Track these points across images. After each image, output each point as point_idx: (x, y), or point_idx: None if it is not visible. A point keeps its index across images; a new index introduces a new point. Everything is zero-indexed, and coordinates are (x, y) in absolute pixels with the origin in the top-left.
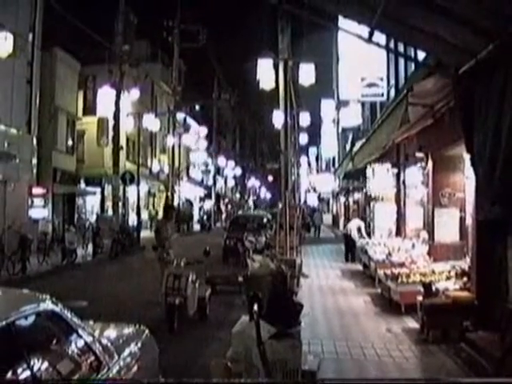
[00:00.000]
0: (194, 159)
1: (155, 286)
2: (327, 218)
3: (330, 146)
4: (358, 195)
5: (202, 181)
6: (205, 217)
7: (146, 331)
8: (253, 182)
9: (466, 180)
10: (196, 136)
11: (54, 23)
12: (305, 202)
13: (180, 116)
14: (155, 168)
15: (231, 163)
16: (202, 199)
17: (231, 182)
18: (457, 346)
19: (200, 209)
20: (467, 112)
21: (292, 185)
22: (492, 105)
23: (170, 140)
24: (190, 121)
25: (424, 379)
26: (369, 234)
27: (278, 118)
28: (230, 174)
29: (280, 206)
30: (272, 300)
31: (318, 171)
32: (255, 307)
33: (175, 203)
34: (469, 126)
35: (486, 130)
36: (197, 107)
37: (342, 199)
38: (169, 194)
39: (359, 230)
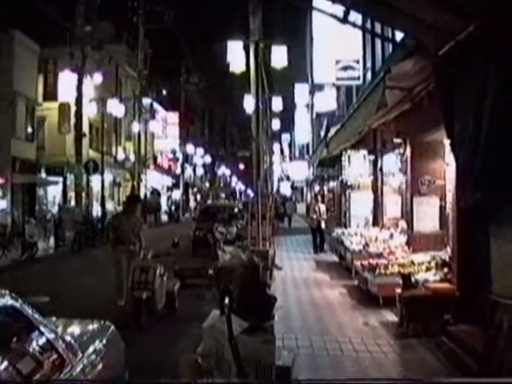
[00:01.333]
0: (161, 147)
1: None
2: (301, 208)
3: (303, 132)
4: (333, 183)
5: (170, 169)
6: (173, 207)
7: (112, 327)
8: (223, 171)
9: (446, 167)
10: (163, 122)
11: (11, 4)
12: (278, 190)
13: (146, 101)
14: (120, 156)
15: (200, 151)
16: (169, 189)
17: (200, 171)
18: (437, 340)
19: (168, 199)
20: (447, 95)
21: (264, 173)
22: (473, 88)
23: (136, 126)
24: (156, 106)
25: (408, 379)
26: (344, 224)
27: (249, 103)
28: (199, 162)
29: (252, 194)
30: (244, 293)
31: (291, 159)
32: (226, 301)
33: (141, 193)
34: (449, 110)
35: (467, 113)
36: (164, 92)
37: (317, 188)
38: (135, 183)
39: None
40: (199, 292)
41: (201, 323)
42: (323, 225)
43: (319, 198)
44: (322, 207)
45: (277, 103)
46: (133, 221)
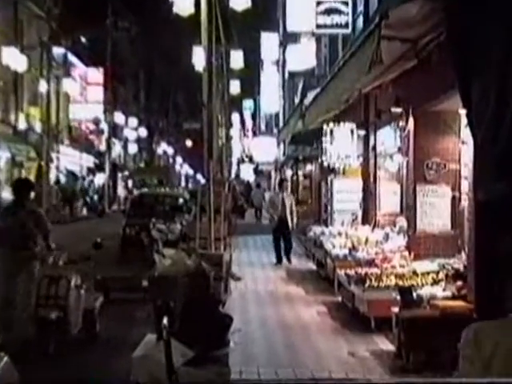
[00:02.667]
0: (79, 114)
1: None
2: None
3: (271, 98)
4: (310, 167)
5: (92, 145)
6: (95, 196)
7: (5, 358)
8: (164, 149)
9: (461, 146)
10: (82, 81)
11: None
12: (237, 176)
13: (58, 52)
14: (22, 126)
15: (133, 121)
16: (91, 171)
17: (133, 148)
18: (448, 377)
19: (89, 185)
20: (463, 49)
21: (219, 152)
22: (498, 40)
23: (44, 86)
24: (73, 59)
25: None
26: (325, 221)
27: (199, 58)
28: (131, 136)
29: (202, 181)
30: (189, 311)
31: (255, 133)
32: (165, 321)
33: (52, 176)
34: (466, 70)
35: (490, 75)
36: (83, 40)
37: (289, 172)
38: (42, 163)
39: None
40: (129, 310)
41: (131, 352)
42: (290, 223)
43: (286, 184)
44: (289, 199)
45: (236, 59)
46: (22, 216)
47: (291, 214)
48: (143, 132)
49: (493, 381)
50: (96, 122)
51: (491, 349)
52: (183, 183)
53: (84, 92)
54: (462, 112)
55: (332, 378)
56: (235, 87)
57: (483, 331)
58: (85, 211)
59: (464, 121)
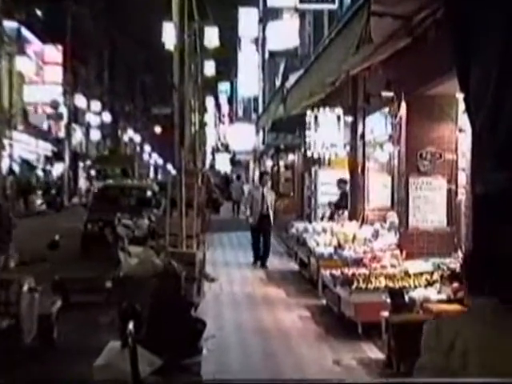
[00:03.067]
0: (35, 97)
1: None
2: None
3: (250, 80)
4: (292, 157)
5: (49, 131)
6: (54, 188)
7: None
8: (131, 135)
9: (458, 134)
10: (38, 60)
11: None
12: (211, 166)
13: (11, 26)
14: None
15: (96, 105)
16: (48, 160)
17: (96, 135)
18: None
19: (46, 176)
20: (463, 28)
21: (192, 140)
22: (501, 17)
23: None
24: (28, 35)
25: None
26: (308, 216)
27: (169, 35)
28: (93, 121)
29: (173, 172)
30: (157, 315)
31: (231, 119)
32: (130, 326)
33: (4, 166)
34: (465, 50)
35: (491, 56)
36: (40, 14)
37: (269, 163)
38: None
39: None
40: (90, 314)
41: (92, 361)
42: (271, 219)
43: (266, 178)
44: (270, 194)
45: (211, 36)
46: None
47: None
48: (107, 117)
49: (490, 381)
50: (54, 105)
51: (451, 339)
52: (152, 174)
53: (40, 72)
54: (460, 96)
55: (317, 379)
56: (210, 68)
57: (444, 323)
58: (42, 205)
59: (462, 106)
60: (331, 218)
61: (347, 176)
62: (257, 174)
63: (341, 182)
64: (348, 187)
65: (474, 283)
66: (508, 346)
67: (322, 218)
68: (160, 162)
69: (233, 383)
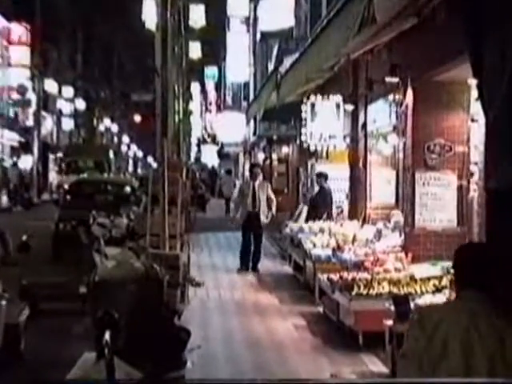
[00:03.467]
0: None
1: None
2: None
3: (239, 64)
4: (286, 149)
5: (16, 120)
6: (21, 183)
7: None
8: (107, 125)
9: (470, 124)
10: (2, 39)
11: None
12: (197, 159)
13: None
14: None
15: (68, 90)
16: (15, 152)
17: (69, 124)
18: None
19: (12, 169)
20: (476, 7)
21: (175, 130)
22: None
23: None
24: None
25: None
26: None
27: (150, 14)
28: (66, 108)
29: (154, 165)
30: (137, 324)
31: (219, 108)
32: (107, 336)
33: None
34: (478, 32)
35: (507, 38)
36: None
37: (261, 155)
38: None
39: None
40: (62, 323)
41: (66, 373)
42: (264, 218)
43: (257, 171)
44: (263, 188)
45: (197, 15)
46: None
47: (268, 207)
48: (81, 104)
49: (488, 381)
50: (21, 90)
51: (433, 327)
52: (131, 168)
53: (5, 53)
54: (472, 82)
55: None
56: (195, 51)
57: (427, 313)
58: (6, 201)
59: (474, 93)
60: (307, 219)
61: (347, 170)
62: (247, 167)
63: (320, 177)
64: (328, 184)
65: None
66: (486, 334)
67: (296, 219)
68: (140, 154)
69: (217, 383)
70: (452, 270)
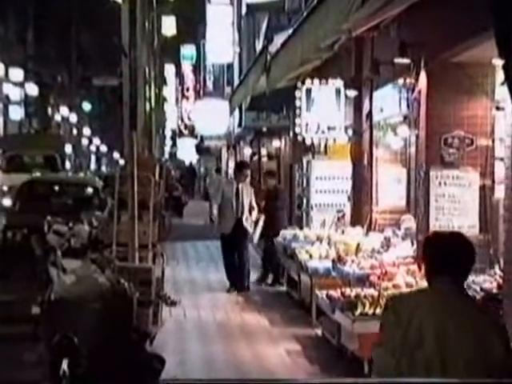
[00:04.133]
0: None
1: None
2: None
3: (222, 43)
4: (278, 143)
5: None
6: None
7: None
8: (65, 114)
9: (495, 113)
10: None
11: None
12: (172, 155)
13: None
14: None
15: (18, 73)
16: None
17: (18, 112)
18: None
19: None
20: None
21: (146, 120)
22: None
23: None
24: None
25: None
26: (299, 221)
27: None
28: (14, 94)
29: (121, 162)
30: (101, 350)
31: (198, 94)
32: (65, 365)
33: None
34: (506, 1)
35: None
36: None
37: (247, 150)
38: None
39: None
40: (11, 349)
41: None
42: (248, 227)
43: (246, 172)
44: (247, 192)
45: None
46: None
47: (250, 214)
48: (33, 89)
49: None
50: None
51: (409, 315)
52: (93, 165)
53: None
54: (498, 64)
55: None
56: (170, 27)
57: (401, 301)
58: None
59: (500, 76)
60: (256, 223)
61: (350, 168)
62: (231, 165)
63: (267, 175)
64: (278, 182)
65: None
66: (461, 322)
67: (322, 225)
68: (104, 149)
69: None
70: (423, 259)
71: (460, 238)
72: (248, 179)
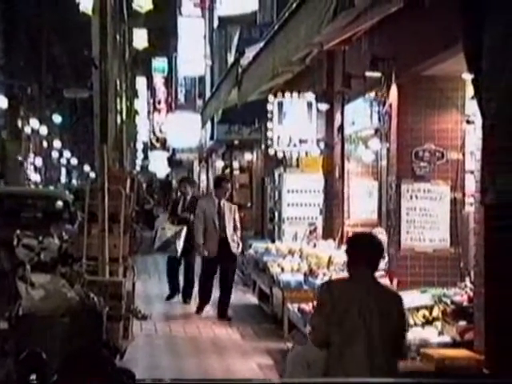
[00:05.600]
0: None
1: None
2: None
3: (193, 55)
4: (250, 156)
5: None
6: None
7: None
8: (35, 126)
9: (465, 126)
10: None
11: None
12: (144, 167)
13: None
14: None
15: None
16: None
17: None
18: None
19: None
20: None
21: (117, 133)
22: None
23: None
24: None
25: None
26: (271, 234)
27: None
28: None
29: (92, 175)
30: (70, 366)
31: (170, 107)
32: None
33: None
34: (474, 18)
35: (510, 23)
36: None
37: (219, 163)
38: None
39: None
40: None
41: None
42: (235, 248)
43: (227, 187)
44: (229, 209)
45: None
46: None
47: (235, 232)
48: (2, 101)
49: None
50: None
51: (338, 295)
52: (64, 178)
53: None
54: (468, 78)
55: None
56: (141, 39)
57: (333, 285)
58: None
59: (470, 90)
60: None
61: (322, 181)
62: (203, 178)
63: (182, 181)
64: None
65: (495, 324)
66: (374, 298)
67: (294, 238)
68: (75, 161)
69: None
70: (346, 255)
71: (372, 238)
72: (227, 194)
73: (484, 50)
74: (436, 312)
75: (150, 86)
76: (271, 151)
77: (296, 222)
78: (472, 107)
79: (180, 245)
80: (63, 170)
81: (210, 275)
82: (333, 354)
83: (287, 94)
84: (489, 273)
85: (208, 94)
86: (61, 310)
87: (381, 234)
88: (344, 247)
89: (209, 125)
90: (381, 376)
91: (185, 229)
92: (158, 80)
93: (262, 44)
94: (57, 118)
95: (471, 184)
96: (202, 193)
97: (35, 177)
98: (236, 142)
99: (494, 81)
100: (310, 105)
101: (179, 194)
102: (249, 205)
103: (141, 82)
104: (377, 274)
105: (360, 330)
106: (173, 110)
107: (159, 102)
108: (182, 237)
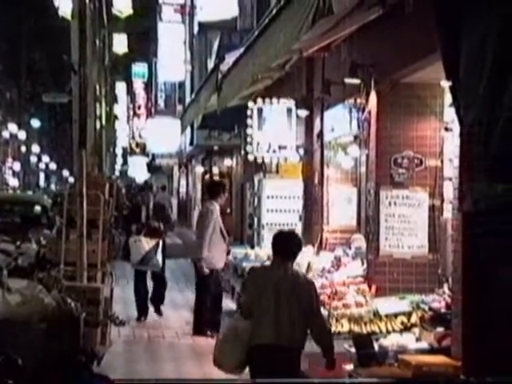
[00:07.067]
0: None
1: None
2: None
3: (173, 61)
4: (229, 162)
5: None
6: None
7: None
8: (13, 131)
9: (444, 133)
10: None
11: None
12: (123, 173)
13: None
14: None
15: None
16: None
17: None
18: None
19: None
20: None
21: (96, 138)
22: None
23: None
24: None
25: None
26: (250, 240)
27: None
28: None
29: (70, 180)
30: (46, 372)
31: (150, 112)
32: None
33: None
34: (453, 25)
35: (485, 32)
36: None
37: (199, 169)
38: None
39: None
40: None
41: None
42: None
43: (222, 191)
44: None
45: (122, 2)
46: None
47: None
48: None
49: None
50: None
51: (259, 278)
52: (42, 183)
53: None
54: (446, 85)
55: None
56: (121, 44)
57: (256, 271)
58: None
59: (448, 98)
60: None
61: (301, 187)
62: (183, 183)
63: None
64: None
65: (472, 330)
66: (287, 282)
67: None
68: (53, 166)
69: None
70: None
71: (291, 234)
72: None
73: (462, 58)
74: (414, 318)
75: (130, 91)
76: (251, 157)
77: (275, 228)
78: (450, 114)
79: (159, 259)
80: (42, 175)
81: (218, 297)
82: (253, 323)
83: (267, 100)
84: (466, 279)
85: (188, 99)
86: (37, 315)
87: (360, 240)
88: (323, 253)
89: (188, 130)
90: (285, 340)
91: (160, 242)
92: (138, 85)
93: (241, 50)
94: (35, 123)
95: (449, 191)
96: (182, 199)
97: (13, 181)
98: (216, 148)
99: (471, 88)
100: (289, 111)
101: (140, 201)
102: (228, 211)
103: (120, 87)
104: (355, 279)
105: (272, 305)
106: (152, 115)
107: (139, 107)
108: (160, 250)
